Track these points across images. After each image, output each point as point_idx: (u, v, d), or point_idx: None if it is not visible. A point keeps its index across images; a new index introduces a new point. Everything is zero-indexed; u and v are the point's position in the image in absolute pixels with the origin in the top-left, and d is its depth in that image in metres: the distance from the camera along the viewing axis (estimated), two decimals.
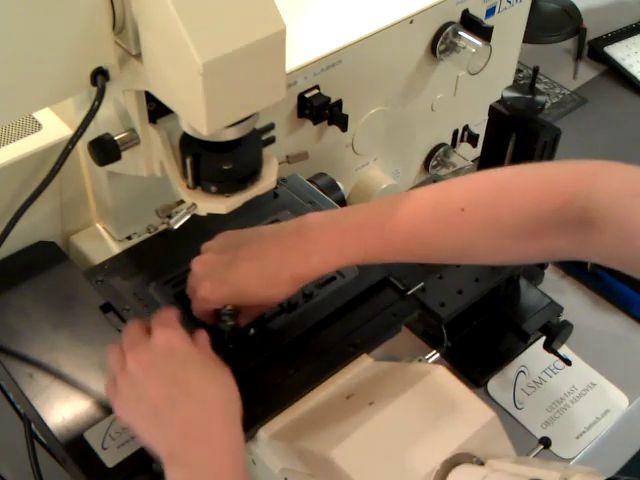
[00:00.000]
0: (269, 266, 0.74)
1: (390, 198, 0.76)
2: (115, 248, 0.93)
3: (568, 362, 1.02)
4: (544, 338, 1.01)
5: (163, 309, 0.72)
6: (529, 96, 0.95)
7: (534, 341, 1.05)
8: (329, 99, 0.99)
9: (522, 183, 0.72)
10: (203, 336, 0.72)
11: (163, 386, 0.66)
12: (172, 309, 0.72)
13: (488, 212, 0.71)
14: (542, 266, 1.09)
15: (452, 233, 0.72)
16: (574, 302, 1.12)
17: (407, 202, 0.74)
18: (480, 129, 1.22)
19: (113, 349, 0.70)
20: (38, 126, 0.88)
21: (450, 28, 1.07)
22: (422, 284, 0.86)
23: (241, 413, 0.68)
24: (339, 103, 1.02)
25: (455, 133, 1.26)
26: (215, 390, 0.67)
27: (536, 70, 0.94)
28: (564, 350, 1.03)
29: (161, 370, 0.67)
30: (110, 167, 0.78)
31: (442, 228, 0.73)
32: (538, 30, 1.56)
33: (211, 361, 0.70)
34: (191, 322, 0.81)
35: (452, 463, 0.70)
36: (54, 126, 0.88)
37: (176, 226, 0.75)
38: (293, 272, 0.74)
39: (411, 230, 0.73)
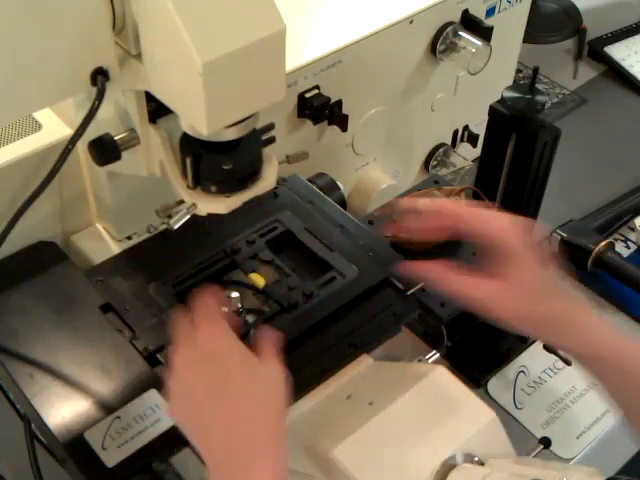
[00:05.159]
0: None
1: None
2: (115, 248, 0.93)
3: (568, 362, 1.02)
4: None
5: (203, 295, 0.69)
6: (529, 96, 0.95)
7: (534, 341, 1.05)
8: (329, 99, 1.00)
9: None
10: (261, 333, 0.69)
11: (206, 387, 0.64)
12: (211, 295, 0.69)
13: None
14: None
15: None
16: None
17: None
18: (480, 129, 1.22)
19: (169, 352, 0.68)
20: (38, 126, 0.88)
21: (450, 28, 1.08)
22: (422, 284, 0.86)
23: (286, 412, 0.65)
24: (339, 103, 1.02)
25: (455, 133, 1.26)
26: (258, 393, 0.64)
27: (536, 70, 0.94)
28: None
29: (204, 370, 0.65)
30: (110, 167, 0.78)
31: None
32: (538, 30, 1.56)
33: (255, 360, 0.66)
34: None
35: (452, 463, 0.70)
36: (54, 126, 0.88)
37: (176, 226, 0.75)
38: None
39: None
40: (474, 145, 1.27)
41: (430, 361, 0.87)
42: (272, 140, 0.82)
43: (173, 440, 0.71)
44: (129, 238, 0.94)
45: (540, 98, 0.95)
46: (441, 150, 1.24)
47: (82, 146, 0.84)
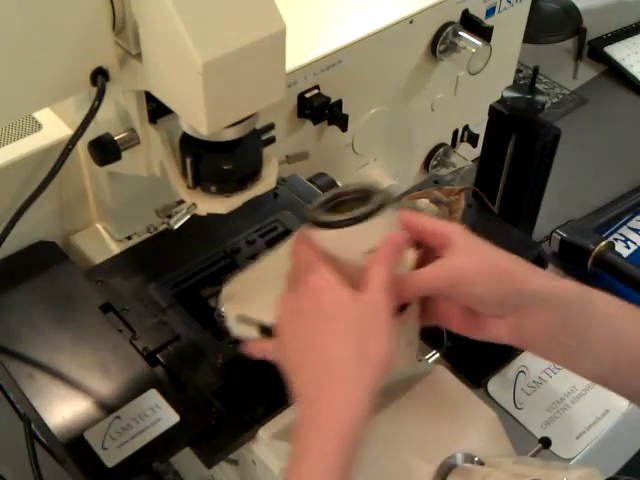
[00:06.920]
0: None
1: None
2: (115, 248, 0.93)
3: None
4: None
5: (299, 236, 0.66)
6: (529, 96, 0.95)
7: None
8: (329, 99, 0.99)
9: None
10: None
11: (297, 340, 0.63)
12: (306, 237, 0.65)
13: None
14: (542, 266, 1.09)
15: None
16: None
17: None
18: (480, 129, 1.22)
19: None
20: (38, 126, 0.88)
21: (450, 28, 1.08)
22: None
23: (380, 375, 0.61)
24: (339, 103, 1.02)
25: (455, 133, 1.26)
26: (347, 350, 0.61)
27: (536, 70, 0.94)
28: None
29: (299, 323, 0.63)
30: (110, 167, 0.78)
31: None
32: (538, 30, 1.56)
33: (361, 314, 0.62)
34: (192, 322, 0.81)
35: (452, 463, 0.70)
36: (54, 126, 0.88)
37: (176, 226, 0.76)
38: None
39: None
40: (474, 145, 1.27)
41: (430, 361, 0.87)
42: (272, 140, 0.82)
43: (173, 440, 0.71)
44: (129, 238, 0.94)
45: (540, 98, 0.95)
46: (441, 150, 1.24)
47: (82, 146, 0.84)
